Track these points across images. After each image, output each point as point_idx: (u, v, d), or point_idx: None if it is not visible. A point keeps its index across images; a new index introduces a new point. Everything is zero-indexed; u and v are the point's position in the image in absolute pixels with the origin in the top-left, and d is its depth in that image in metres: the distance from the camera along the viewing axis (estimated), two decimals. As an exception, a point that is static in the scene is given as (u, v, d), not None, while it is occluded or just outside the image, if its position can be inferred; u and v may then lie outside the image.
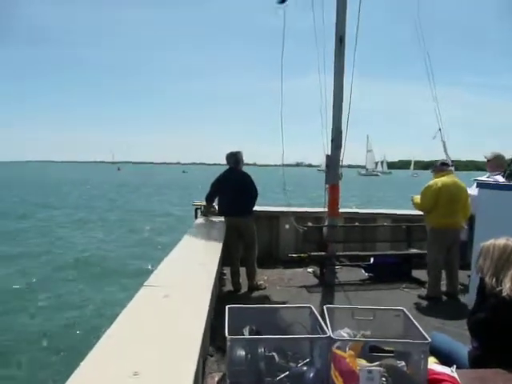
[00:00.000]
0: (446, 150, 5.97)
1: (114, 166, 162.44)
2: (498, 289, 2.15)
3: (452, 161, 6.03)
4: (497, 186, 4.19)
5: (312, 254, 5.74)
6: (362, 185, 50.71)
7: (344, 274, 5.94)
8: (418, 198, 5.11)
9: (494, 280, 2.18)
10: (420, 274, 5.66)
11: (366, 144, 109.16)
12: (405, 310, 1.91)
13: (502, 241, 2.28)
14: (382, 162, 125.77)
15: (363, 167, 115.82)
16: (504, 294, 2.12)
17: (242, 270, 5.34)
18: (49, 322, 6.82)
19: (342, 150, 5.50)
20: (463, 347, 2.42)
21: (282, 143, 5.95)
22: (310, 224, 6.10)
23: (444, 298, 5.04)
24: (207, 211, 5.83)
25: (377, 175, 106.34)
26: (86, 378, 1.55)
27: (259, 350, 1.75)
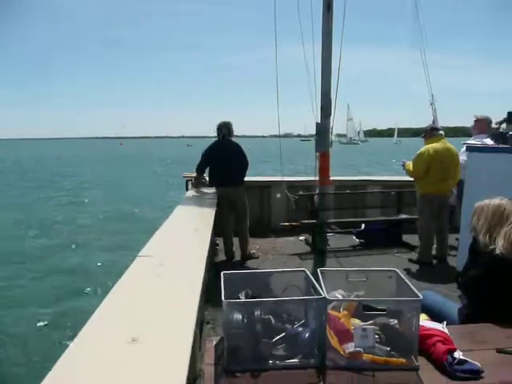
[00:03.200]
0: (435, 116, 5.95)
1: (117, 141, 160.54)
2: (491, 247, 2.20)
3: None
4: (486, 149, 4.19)
5: (303, 222, 5.79)
6: (344, 153, 51.02)
7: (335, 240, 6.02)
8: (410, 165, 5.10)
9: (487, 238, 2.22)
10: (410, 238, 5.75)
11: (347, 112, 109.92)
12: (398, 270, 1.94)
13: (495, 200, 2.32)
14: (358, 131, 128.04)
15: (343, 136, 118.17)
16: (497, 251, 2.16)
17: (235, 240, 5.39)
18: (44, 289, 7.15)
19: (332, 118, 5.51)
20: (454, 305, 2.48)
21: (277, 115, 6.03)
22: (301, 193, 6.12)
23: (434, 261, 5.14)
24: (198, 182, 5.81)
25: (357, 143, 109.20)
26: (85, 344, 1.57)
27: (255, 313, 1.77)
